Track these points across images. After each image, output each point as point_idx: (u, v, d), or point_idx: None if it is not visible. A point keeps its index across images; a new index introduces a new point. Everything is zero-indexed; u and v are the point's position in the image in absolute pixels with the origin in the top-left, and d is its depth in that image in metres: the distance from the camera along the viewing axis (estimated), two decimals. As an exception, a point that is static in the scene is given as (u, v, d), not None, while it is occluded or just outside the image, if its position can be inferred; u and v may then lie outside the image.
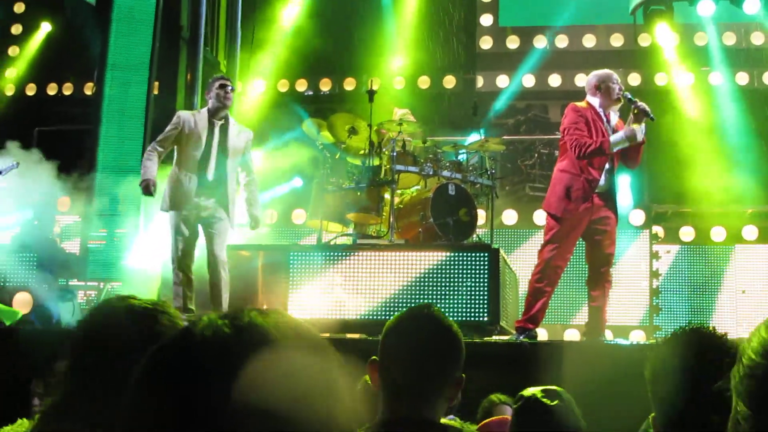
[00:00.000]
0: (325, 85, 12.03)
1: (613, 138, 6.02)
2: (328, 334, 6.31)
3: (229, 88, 6.65)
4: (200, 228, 6.54)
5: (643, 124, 6.06)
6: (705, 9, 11.29)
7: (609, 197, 6.22)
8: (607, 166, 6.14)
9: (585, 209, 6.10)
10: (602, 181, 6.13)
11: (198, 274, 6.55)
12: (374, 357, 2.17)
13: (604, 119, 6.16)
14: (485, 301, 6.59)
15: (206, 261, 6.53)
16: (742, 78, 11.76)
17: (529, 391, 2.67)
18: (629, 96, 6.17)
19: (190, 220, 6.49)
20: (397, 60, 11.45)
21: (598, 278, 6.22)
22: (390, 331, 2.18)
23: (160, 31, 9.27)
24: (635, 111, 6.04)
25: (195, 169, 6.48)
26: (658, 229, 9.70)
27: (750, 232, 9.69)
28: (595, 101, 6.18)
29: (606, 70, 6.30)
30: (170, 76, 9.55)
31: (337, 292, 6.73)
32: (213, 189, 6.50)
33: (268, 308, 1.03)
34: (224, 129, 6.61)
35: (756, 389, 1.39)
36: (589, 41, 12.19)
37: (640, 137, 6.04)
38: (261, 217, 6.92)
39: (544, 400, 2.62)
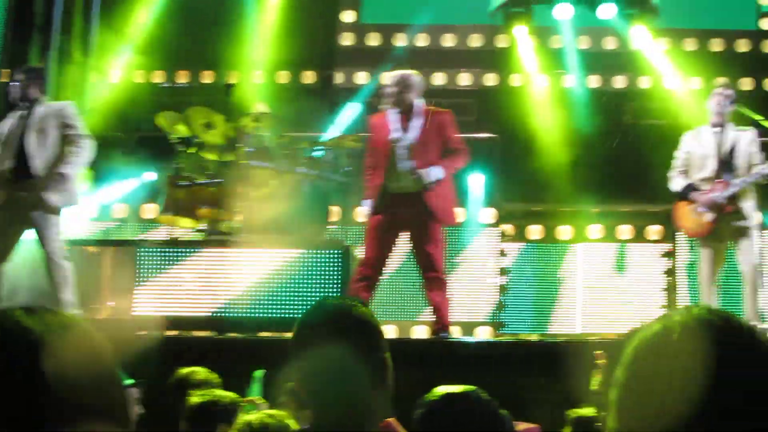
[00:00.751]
0: (182, 78, 12.32)
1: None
2: (177, 332, 6.69)
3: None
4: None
5: None
6: (562, 12, 12.21)
7: (421, 198, 6.78)
8: (405, 168, 6.76)
9: (392, 210, 6.78)
10: (403, 181, 6.77)
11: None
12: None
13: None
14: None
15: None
16: (595, 81, 12.84)
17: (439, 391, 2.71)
18: None
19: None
20: (257, 54, 11.85)
21: (426, 279, 6.90)
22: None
23: (13, 18, 9.37)
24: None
25: None
26: (507, 227, 10.51)
27: (595, 230, 10.61)
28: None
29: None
30: (20, 64, 9.69)
31: (185, 288, 7.10)
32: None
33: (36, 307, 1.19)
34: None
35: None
36: (448, 41, 12.97)
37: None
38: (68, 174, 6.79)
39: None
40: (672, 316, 1.39)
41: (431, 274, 6.85)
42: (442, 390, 2.72)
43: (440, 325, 6.99)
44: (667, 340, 1.34)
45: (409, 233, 6.91)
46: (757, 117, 7.29)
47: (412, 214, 6.77)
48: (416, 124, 6.91)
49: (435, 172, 6.73)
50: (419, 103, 7.01)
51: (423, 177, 6.71)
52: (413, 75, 7.10)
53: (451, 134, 6.98)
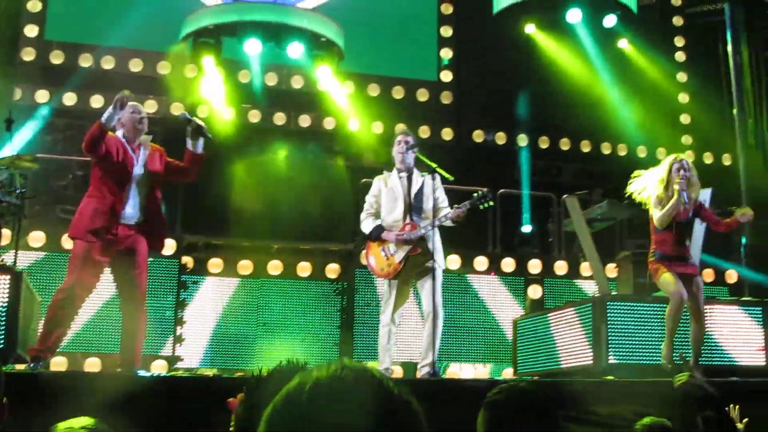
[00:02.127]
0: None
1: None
2: None
3: None
4: None
5: (200, 140, 7.52)
6: (251, 48, 13.41)
7: (138, 228, 7.29)
8: (136, 196, 7.30)
9: (109, 238, 7.12)
10: (129, 210, 7.23)
11: None
12: None
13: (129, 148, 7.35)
14: (1, 328, 7.13)
15: None
16: (280, 118, 14.13)
17: None
18: (186, 115, 7.61)
19: None
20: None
21: (128, 310, 7.32)
22: None
23: None
24: (191, 129, 7.47)
25: None
26: (188, 260, 11.34)
27: (274, 266, 11.74)
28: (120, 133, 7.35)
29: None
30: None
31: None
32: None
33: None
34: None
35: None
36: (135, 65, 13.74)
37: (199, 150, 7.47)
38: None
39: None
40: (311, 372, 1.56)
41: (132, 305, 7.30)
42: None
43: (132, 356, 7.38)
44: (299, 399, 1.51)
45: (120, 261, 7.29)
46: (433, 164, 7.98)
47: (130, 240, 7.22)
48: (142, 156, 7.39)
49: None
50: (146, 137, 7.51)
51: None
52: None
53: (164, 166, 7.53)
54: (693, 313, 8.23)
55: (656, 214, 8.16)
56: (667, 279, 8.05)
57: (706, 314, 8.38)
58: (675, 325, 8.12)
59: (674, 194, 8.01)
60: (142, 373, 7.36)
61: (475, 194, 7.99)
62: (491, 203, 8.01)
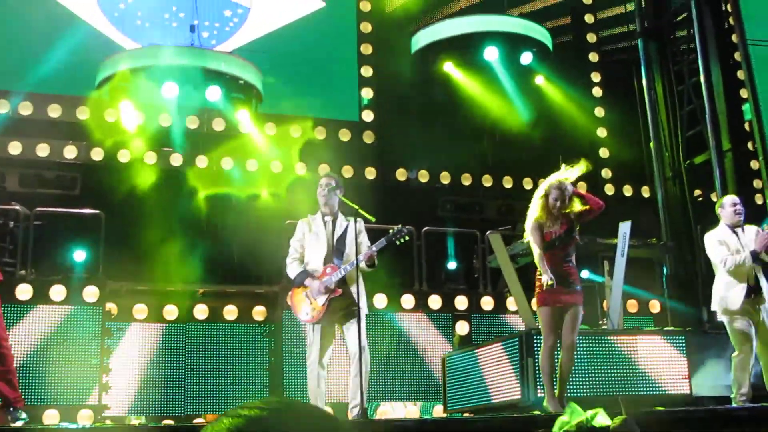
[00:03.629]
0: None
1: None
2: None
3: None
4: None
5: None
6: (169, 91, 13.49)
7: None
8: None
9: None
10: None
11: None
12: None
13: None
14: None
15: None
16: (202, 161, 14.18)
17: None
18: None
19: None
20: None
21: None
22: None
23: None
24: None
25: None
26: (111, 306, 11.29)
27: (201, 311, 11.74)
28: None
29: None
30: None
31: None
32: None
33: None
34: None
35: None
36: (54, 111, 13.69)
37: None
38: None
39: None
40: (217, 424, 1.61)
41: None
42: None
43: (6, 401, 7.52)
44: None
45: None
46: (355, 206, 7.98)
47: None
48: None
49: None
50: None
51: None
52: None
53: None
54: (564, 345, 8.22)
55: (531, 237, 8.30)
56: (544, 315, 8.16)
57: (576, 348, 8.34)
58: (551, 367, 8.18)
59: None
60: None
61: (391, 230, 8.14)
62: (407, 237, 8.16)
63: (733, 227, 8.97)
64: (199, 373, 11.52)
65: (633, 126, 16.18)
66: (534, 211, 8.40)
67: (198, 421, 11.18)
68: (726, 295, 8.82)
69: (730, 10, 13.44)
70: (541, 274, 8.17)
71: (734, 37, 13.70)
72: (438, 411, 11.90)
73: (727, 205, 9.03)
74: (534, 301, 8.45)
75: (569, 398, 8.35)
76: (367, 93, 16.08)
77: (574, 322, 8.18)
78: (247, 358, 11.72)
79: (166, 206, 13.18)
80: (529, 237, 8.33)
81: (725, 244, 8.89)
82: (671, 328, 11.36)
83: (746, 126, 14.28)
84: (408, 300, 12.59)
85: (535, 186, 16.21)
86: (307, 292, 8.14)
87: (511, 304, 12.52)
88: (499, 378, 9.68)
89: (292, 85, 14.95)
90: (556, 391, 8.21)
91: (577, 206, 8.37)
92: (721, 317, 8.94)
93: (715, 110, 13.32)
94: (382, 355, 11.72)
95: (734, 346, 8.83)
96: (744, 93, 13.95)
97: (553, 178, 8.53)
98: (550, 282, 7.97)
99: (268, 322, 11.92)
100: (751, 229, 8.97)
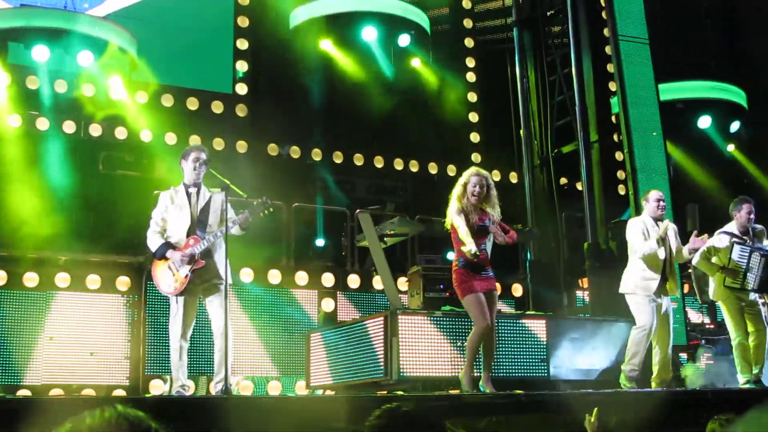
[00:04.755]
0: None
1: None
2: None
3: None
4: None
5: None
6: (39, 54, 13.13)
7: None
8: None
9: None
10: None
11: None
12: None
13: None
14: None
15: None
16: (69, 126, 13.86)
17: None
18: None
19: None
20: None
21: None
22: None
23: None
24: None
25: None
26: (-30, 273, 11.01)
27: (62, 279, 11.52)
28: None
29: None
30: None
31: None
32: None
33: None
34: None
35: None
36: None
37: None
38: None
39: None
40: (84, 419, 1.55)
41: None
42: None
43: None
44: None
45: None
46: (225, 180, 7.98)
47: None
48: None
49: None
50: None
51: None
52: None
53: None
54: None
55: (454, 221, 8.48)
56: (473, 301, 8.31)
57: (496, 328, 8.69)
58: (478, 347, 8.39)
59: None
60: None
61: (255, 202, 8.19)
62: (271, 209, 8.22)
63: (655, 220, 9.54)
64: (59, 342, 11.31)
65: (504, 113, 16.52)
66: (455, 199, 8.52)
67: (56, 392, 11.02)
68: (640, 281, 9.42)
69: (603, 4, 13.84)
70: (458, 266, 8.38)
71: (606, 32, 14.12)
72: (300, 387, 12.00)
73: (652, 200, 9.62)
74: (455, 282, 8.53)
75: (433, 379, 8.55)
76: (241, 66, 15.97)
77: (493, 305, 8.44)
78: (108, 329, 11.56)
79: (29, 171, 12.87)
80: (453, 220, 8.41)
81: (646, 234, 9.40)
82: (532, 312, 11.70)
83: (612, 119, 14.80)
84: (275, 275, 12.64)
85: (406, 167, 16.62)
86: (169, 264, 8.10)
87: (377, 282, 12.68)
88: (363, 356, 9.82)
89: (166, 54, 14.75)
90: (482, 372, 8.46)
91: (496, 208, 8.55)
92: (630, 298, 9.51)
93: (584, 102, 13.72)
94: (246, 330, 11.74)
95: (638, 322, 9.41)
96: (612, 86, 14.41)
97: (472, 169, 8.71)
98: (474, 252, 8.13)
99: (131, 293, 11.78)
100: (663, 222, 9.57)
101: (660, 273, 9.36)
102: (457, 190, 8.58)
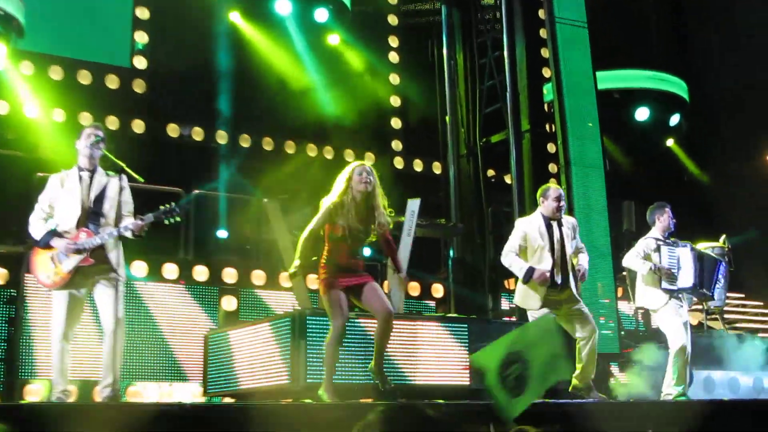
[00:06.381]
0: None
1: None
2: None
3: None
4: None
5: None
6: None
7: None
8: None
9: None
10: None
11: None
12: None
13: None
14: None
15: None
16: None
17: None
18: None
19: None
20: None
21: None
22: None
23: None
24: None
25: None
26: None
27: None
28: None
29: None
30: None
31: None
32: None
33: None
34: None
35: None
36: None
37: None
38: None
39: None
40: None
41: None
42: None
43: None
44: None
45: None
46: (121, 163, 7.72)
47: None
48: None
49: None
50: None
51: None
52: None
53: None
54: (381, 318, 8.00)
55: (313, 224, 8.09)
56: (331, 298, 7.87)
57: (393, 321, 8.11)
58: (336, 353, 7.97)
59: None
60: None
61: (162, 207, 7.93)
62: (179, 219, 7.98)
63: (550, 221, 9.18)
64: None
65: (429, 98, 16.48)
66: (333, 194, 8.16)
67: None
68: (523, 293, 9.07)
69: (539, -17, 13.88)
70: (324, 262, 8.02)
71: (542, 13, 14.12)
72: (196, 394, 11.80)
73: (551, 198, 9.18)
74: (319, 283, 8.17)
75: (339, 385, 8.40)
76: (141, 37, 15.68)
77: (375, 291, 7.99)
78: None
79: None
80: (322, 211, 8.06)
81: (526, 238, 9.11)
82: (454, 314, 11.66)
83: (546, 107, 14.84)
84: (171, 270, 12.39)
85: (320, 153, 16.49)
86: (52, 254, 7.81)
87: (284, 280, 12.53)
88: (267, 360, 9.67)
89: (57, 21, 14.45)
90: (372, 365, 8.09)
91: (383, 212, 8.21)
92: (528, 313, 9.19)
93: (516, 88, 13.73)
94: (138, 330, 11.52)
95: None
96: (547, 72, 14.44)
97: (356, 163, 8.32)
98: (292, 271, 7.96)
99: (8, 287, 11.45)
100: (568, 221, 9.30)
101: (546, 285, 8.89)
102: (338, 186, 8.10)
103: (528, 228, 9.15)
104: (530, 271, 8.90)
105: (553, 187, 9.40)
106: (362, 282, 8.02)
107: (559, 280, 9.02)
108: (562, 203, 9.20)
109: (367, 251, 12.39)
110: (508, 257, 9.09)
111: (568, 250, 9.15)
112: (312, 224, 8.03)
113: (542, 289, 8.95)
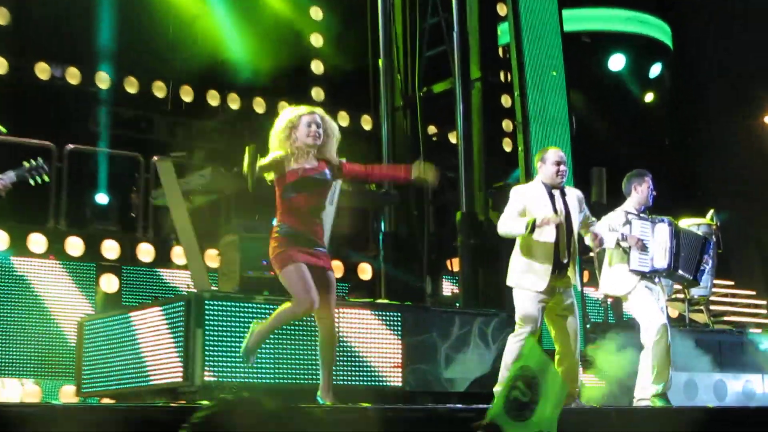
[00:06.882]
0: None
1: None
2: None
3: None
4: None
5: None
6: None
7: None
8: None
9: None
10: None
11: None
12: None
13: None
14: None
15: None
16: None
17: None
18: None
19: None
20: None
21: None
22: None
23: None
24: None
25: None
26: None
27: None
28: None
29: None
30: None
31: None
32: None
33: None
34: None
35: None
36: None
37: None
38: None
39: None
40: None
41: None
42: None
43: None
44: None
45: None
46: None
47: None
48: None
49: None
50: None
51: None
52: None
53: None
54: (324, 326, 8.02)
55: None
56: (293, 273, 7.77)
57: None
58: (277, 326, 8.08)
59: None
60: None
61: (27, 163, 7.95)
62: (47, 179, 8.00)
63: (551, 188, 9.24)
64: None
65: (360, 38, 16.45)
66: (275, 142, 8.05)
67: None
68: (522, 273, 9.06)
69: None
70: (277, 233, 7.92)
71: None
72: (68, 393, 11.78)
73: (549, 162, 9.21)
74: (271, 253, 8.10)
75: (256, 385, 8.44)
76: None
77: (329, 292, 7.96)
78: None
79: None
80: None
81: (525, 211, 9.12)
82: (385, 301, 11.73)
83: (500, 51, 14.90)
84: (38, 241, 12.41)
85: (224, 103, 16.43)
86: None
87: (178, 256, 12.53)
88: (156, 354, 9.68)
89: None
90: (321, 381, 8.08)
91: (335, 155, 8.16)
92: (514, 292, 9.11)
93: (464, 27, 13.73)
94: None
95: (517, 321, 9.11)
96: (502, 9, 14.49)
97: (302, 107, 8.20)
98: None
99: None
100: (572, 192, 9.34)
101: (551, 262, 8.96)
102: (277, 131, 8.04)
103: (527, 198, 9.14)
104: (534, 221, 8.90)
105: (552, 149, 9.43)
106: (321, 267, 7.92)
107: (565, 259, 9.05)
108: (563, 167, 9.23)
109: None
110: (506, 223, 9.08)
111: (575, 225, 9.23)
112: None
113: (548, 267, 8.93)
